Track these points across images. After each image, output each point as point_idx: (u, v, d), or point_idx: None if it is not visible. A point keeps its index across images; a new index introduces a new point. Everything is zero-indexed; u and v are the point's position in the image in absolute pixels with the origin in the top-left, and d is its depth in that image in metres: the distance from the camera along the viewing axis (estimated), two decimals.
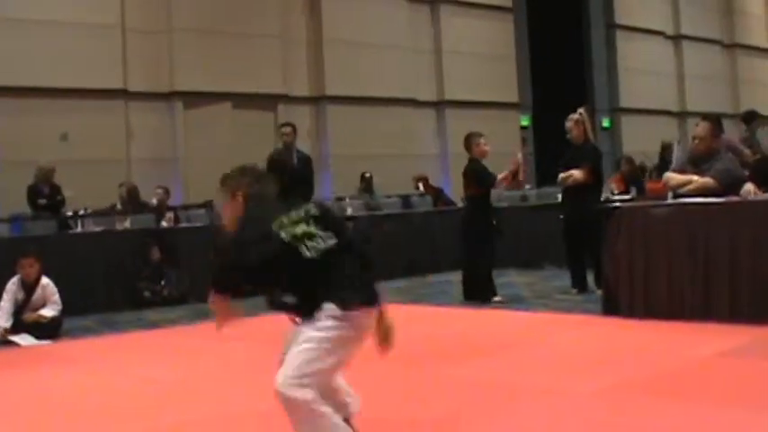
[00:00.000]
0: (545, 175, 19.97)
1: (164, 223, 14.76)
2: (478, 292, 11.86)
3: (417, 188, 19.09)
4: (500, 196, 15.72)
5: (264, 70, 18.82)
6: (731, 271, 8.81)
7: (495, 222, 11.95)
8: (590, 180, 11.79)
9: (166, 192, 15.93)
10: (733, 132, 27.31)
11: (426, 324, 10.51)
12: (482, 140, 12.15)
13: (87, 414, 6.61)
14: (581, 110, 12.41)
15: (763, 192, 8.96)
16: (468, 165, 12.15)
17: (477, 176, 11.94)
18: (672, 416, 5.62)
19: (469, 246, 11.94)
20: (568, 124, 12.06)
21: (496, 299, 11.78)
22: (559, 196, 12.85)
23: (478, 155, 12.11)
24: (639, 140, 25.24)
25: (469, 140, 12.13)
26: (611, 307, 9.73)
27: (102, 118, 16.96)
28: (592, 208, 11.13)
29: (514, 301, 11.69)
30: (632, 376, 6.89)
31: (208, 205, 13.90)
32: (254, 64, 18.59)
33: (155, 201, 15.72)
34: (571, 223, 11.88)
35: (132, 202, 15.30)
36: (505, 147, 17.63)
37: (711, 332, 8.42)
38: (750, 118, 14.23)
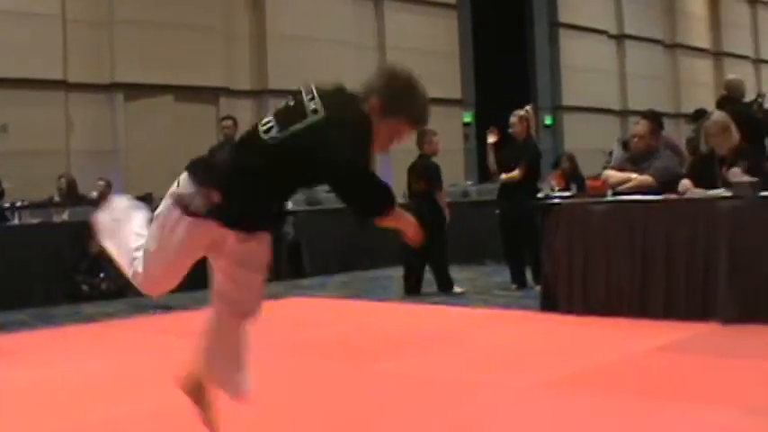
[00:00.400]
0: (486, 172, 20.00)
1: None
2: (419, 287, 12.06)
3: None
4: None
5: (207, 63, 18.69)
6: (668, 268, 8.88)
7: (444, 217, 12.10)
8: (527, 177, 11.86)
9: (108, 184, 15.77)
10: (673, 132, 27.55)
11: (364, 319, 10.52)
12: (435, 138, 12.22)
13: (20, 408, 6.53)
14: (528, 107, 12.48)
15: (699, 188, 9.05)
16: (419, 161, 12.24)
17: (429, 175, 12.08)
18: (608, 410, 5.66)
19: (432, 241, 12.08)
20: (513, 119, 12.07)
21: (457, 290, 11.89)
22: None
23: (430, 152, 12.19)
24: (581, 138, 25.37)
25: (422, 137, 12.17)
26: (550, 303, 9.77)
27: (41, 109, 16.75)
28: (527, 204, 11.18)
29: (454, 297, 11.71)
30: (569, 371, 6.92)
31: (148, 198, 13.72)
32: (197, 57, 18.45)
33: (95, 193, 15.56)
34: (507, 219, 11.94)
35: (71, 194, 15.15)
36: (448, 143, 17.62)
37: (648, 328, 8.49)
38: (698, 116, 14.37)
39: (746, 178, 8.69)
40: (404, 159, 12.53)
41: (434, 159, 12.32)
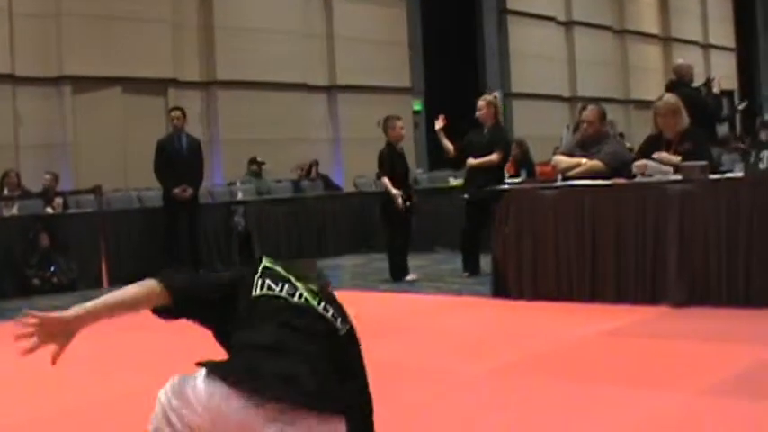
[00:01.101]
0: (437, 160, 20.02)
1: (50, 209, 14.53)
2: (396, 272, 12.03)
3: (301, 176, 18.99)
4: None
5: (155, 55, 18.54)
6: (617, 252, 8.93)
7: (410, 203, 12.08)
8: (502, 162, 11.87)
9: (55, 177, 15.64)
10: (622, 118, 27.75)
11: None
12: (399, 123, 12.24)
13: None
14: (496, 93, 12.49)
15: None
16: (384, 149, 12.24)
17: (383, 164, 12.12)
18: (559, 394, 5.68)
19: (387, 228, 12.17)
20: (481, 103, 11.99)
21: (409, 278, 11.89)
22: (452, 180, 12.88)
23: (394, 138, 12.18)
24: (530, 125, 25.43)
25: (386, 123, 12.18)
26: (501, 289, 9.80)
27: None
28: (495, 190, 11.12)
29: (405, 284, 11.71)
30: (519, 356, 6.95)
31: (97, 191, 13.73)
32: (145, 48, 18.30)
33: (41, 187, 15.45)
34: (474, 204, 11.78)
35: (18, 188, 15.04)
36: None
37: (598, 312, 8.53)
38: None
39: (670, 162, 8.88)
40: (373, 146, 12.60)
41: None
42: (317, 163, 19.39)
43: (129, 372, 7.26)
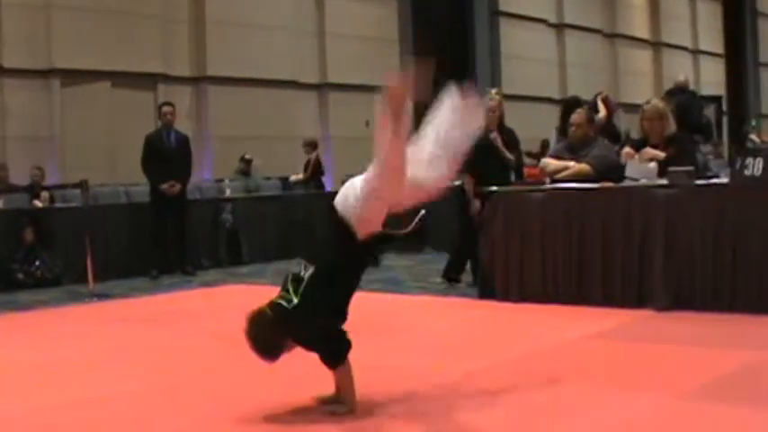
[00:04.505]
0: None
1: (37, 203, 14.50)
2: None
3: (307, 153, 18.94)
4: None
5: (145, 49, 18.49)
6: (604, 256, 8.96)
7: None
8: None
9: (41, 171, 15.58)
10: (614, 120, 27.61)
11: None
12: None
13: None
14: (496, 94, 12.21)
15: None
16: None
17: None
18: (542, 396, 5.69)
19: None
20: (493, 104, 11.57)
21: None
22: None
23: None
24: (520, 126, 25.25)
25: None
26: (487, 290, 9.81)
27: None
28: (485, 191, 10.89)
29: (391, 285, 11.70)
30: (504, 358, 6.97)
31: (83, 185, 13.66)
32: (135, 42, 18.25)
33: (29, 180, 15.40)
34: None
35: (2, 182, 15.00)
36: None
37: (584, 315, 8.55)
38: (672, 94, 14.52)
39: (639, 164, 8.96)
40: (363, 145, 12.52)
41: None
42: (317, 160, 19.20)
43: (126, 370, 7.24)
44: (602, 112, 13.11)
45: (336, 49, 22.23)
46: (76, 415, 5.82)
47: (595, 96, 14.05)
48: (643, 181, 8.94)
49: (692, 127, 13.02)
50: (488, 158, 10.63)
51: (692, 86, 17.41)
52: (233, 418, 5.46)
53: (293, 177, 18.76)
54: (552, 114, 27.53)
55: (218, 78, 19.59)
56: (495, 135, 11.14)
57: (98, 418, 5.70)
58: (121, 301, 11.39)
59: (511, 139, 11.55)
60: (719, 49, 38.68)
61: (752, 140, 21.52)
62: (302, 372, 5.87)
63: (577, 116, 10.11)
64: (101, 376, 6.93)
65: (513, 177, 11.40)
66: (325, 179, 19.00)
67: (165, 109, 14.58)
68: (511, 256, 9.57)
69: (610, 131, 12.65)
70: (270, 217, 16.32)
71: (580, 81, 29.26)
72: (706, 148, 16.90)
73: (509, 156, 11.26)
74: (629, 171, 9.11)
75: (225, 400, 5.93)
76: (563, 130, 11.19)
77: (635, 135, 12.21)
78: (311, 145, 19.12)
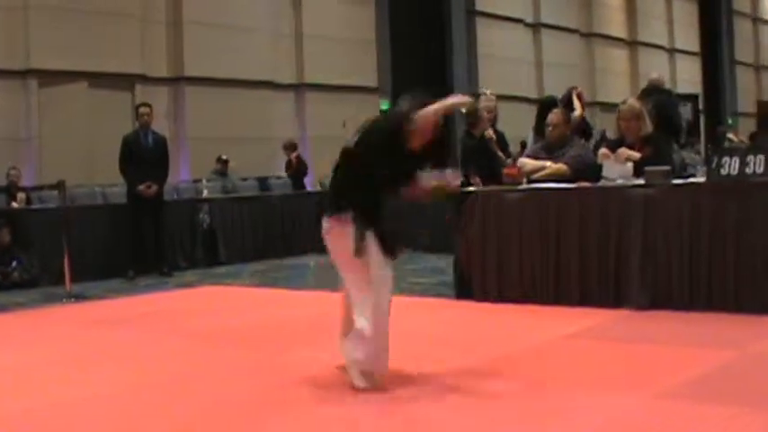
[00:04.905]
0: None
1: (15, 204, 14.46)
2: None
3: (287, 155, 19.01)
4: None
5: (122, 50, 18.42)
6: (581, 256, 8.98)
7: None
8: None
9: (18, 172, 15.52)
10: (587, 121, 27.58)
11: (279, 307, 10.49)
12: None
13: None
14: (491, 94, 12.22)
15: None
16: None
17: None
18: (519, 396, 5.70)
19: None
20: (490, 104, 11.78)
21: None
22: None
23: None
24: (498, 126, 25.42)
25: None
26: (465, 290, 9.82)
27: None
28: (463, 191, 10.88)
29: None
30: (482, 358, 6.97)
31: (61, 186, 13.60)
32: (112, 43, 18.18)
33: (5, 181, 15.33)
34: None
35: None
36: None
37: (561, 315, 8.57)
38: (648, 93, 14.49)
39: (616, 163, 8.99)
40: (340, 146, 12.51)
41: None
42: (299, 158, 19.22)
43: (103, 372, 7.22)
44: (578, 108, 13.05)
45: (313, 49, 22.20)
46: (52, 418, 5.79)
47: (569, 90, 13.94)
48: (620, 181, 8.97)
49: (669, 128, 13.01)
50: (484, 159, 10.91)
51: (667, 85, 17.39)
52: (212, 418, 5.46)
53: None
54: (529, 114, 27.45)
55: (196, 79, 19.55)
56: (490, 133, 11.24)
57: (74, 420, 5.69)
58: (98, 302, 11.37)
59: (501, 141, 11.55)
60: (696, 48, 38.83)
61: (729, 139, 21.62)
62: (282, 371, 5.87)
63: (554, 116, 10.10)
64: (78, 378, 6.91)
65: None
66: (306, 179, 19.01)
67: (143, 110, 14.58)
68: (488, 256, 9.57)
69: (582, 127, 12.61)
70: (247, 217, 16.32)
71: (557, 81, 29.25)
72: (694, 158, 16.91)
73: (502, 156, 11.32)
74: (606, 171, 9.13)
75: (203, 400, 5.93)
76: (539, 129, 11.17)
77: (611, 134, 12.22)
78: (291, 147, 19.16)
